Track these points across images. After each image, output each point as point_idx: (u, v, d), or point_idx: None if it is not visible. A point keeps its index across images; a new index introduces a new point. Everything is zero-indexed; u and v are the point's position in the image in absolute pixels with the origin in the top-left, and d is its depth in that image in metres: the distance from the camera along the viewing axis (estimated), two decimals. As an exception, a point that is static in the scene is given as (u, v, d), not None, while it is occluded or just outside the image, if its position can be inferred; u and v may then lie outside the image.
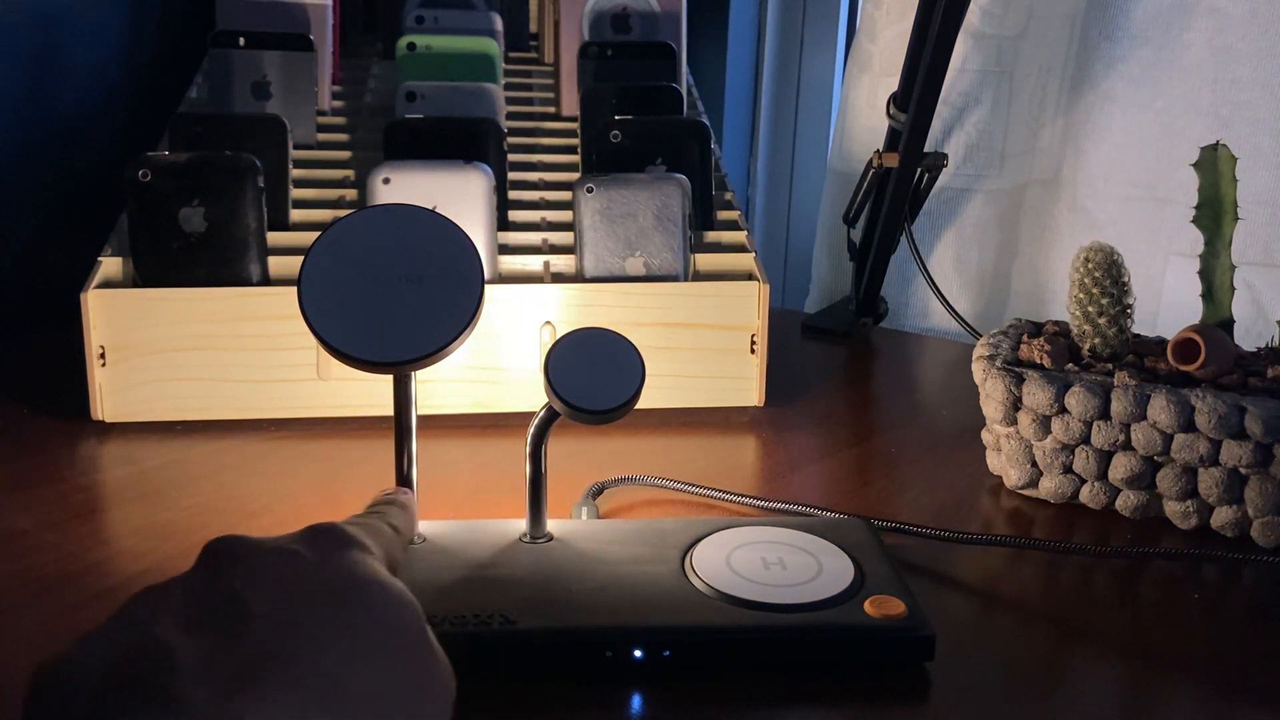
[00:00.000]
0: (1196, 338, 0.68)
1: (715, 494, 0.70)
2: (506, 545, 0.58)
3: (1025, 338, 0.74)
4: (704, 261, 0.88)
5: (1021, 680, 0.54)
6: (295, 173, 0.90)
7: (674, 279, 0.84)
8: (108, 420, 0.79)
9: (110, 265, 0.81)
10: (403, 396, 0.55)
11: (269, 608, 0.35)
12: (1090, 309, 0.72)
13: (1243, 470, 0.66)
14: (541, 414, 0.57)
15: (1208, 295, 0.74)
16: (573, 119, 1.04)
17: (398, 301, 0.52)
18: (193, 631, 0.34)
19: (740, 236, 0.91)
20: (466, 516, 0.64)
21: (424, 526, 0.59)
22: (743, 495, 0.69)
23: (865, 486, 0.75)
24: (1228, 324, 0.73)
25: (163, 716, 0.31)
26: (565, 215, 0.90)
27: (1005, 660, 0.55)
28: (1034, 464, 0.71)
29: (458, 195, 0.82)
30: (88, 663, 0.34)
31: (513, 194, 0.93)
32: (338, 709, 0.33)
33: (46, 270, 0.92)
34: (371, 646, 0.35)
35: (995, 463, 0.75)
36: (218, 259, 0.80)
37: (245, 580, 0.36)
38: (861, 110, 1.18)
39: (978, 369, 0.73)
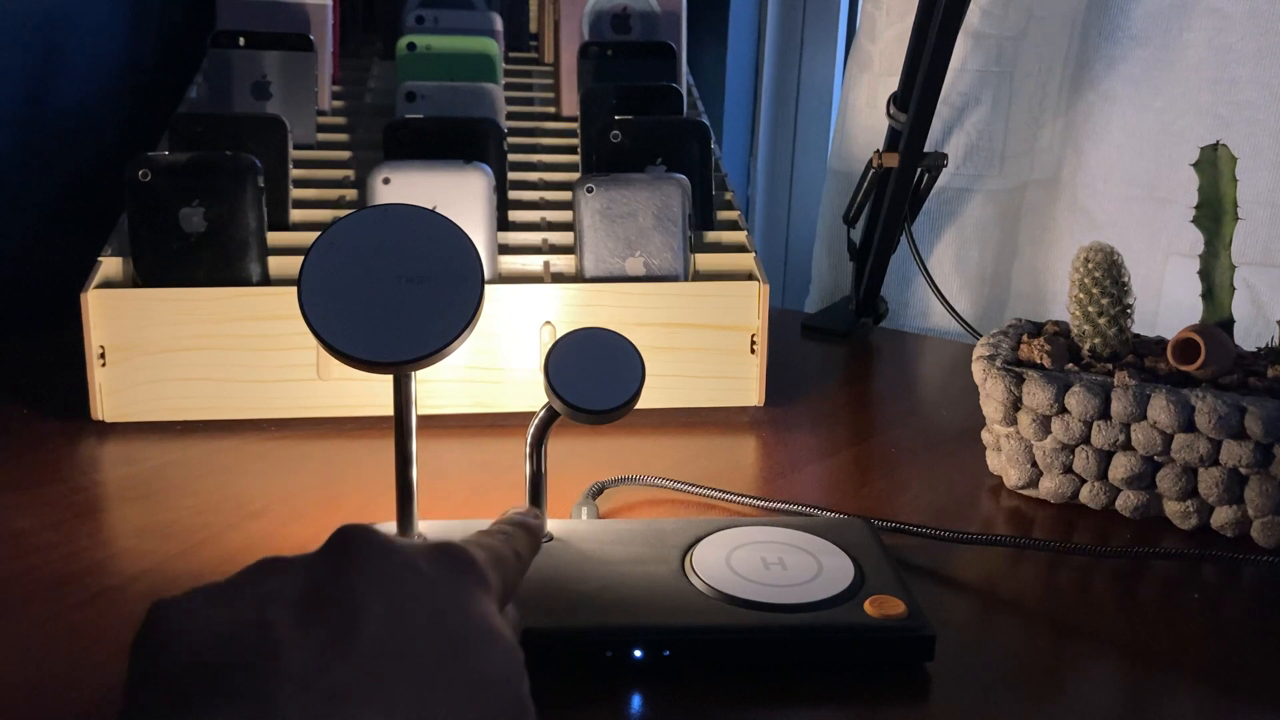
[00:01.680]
0: (1196, 338, 0.68)
1: (715, 494, 0.70)
2: (506, 545, 0.58)
3: (1025, 338, 0.74)
4: (704, 261, 0.88)
5: (1021, 680, 0.54)
6: (295, 173, 0.90)
7: (674, 279, 0.84)
8: (108, 420, 0.79)
9: (110, 265, 0.81)
10: (403, 396, 0.55)
11: (380, 625, 0.35)
12: (1090, 309, 0.72)
13: (1243, 470, 0.66)
14: (541, 414, 0.57)
15: (1208, 295, 0.74)
16: (573, 119, 1.04)
17: (398, 301, 0.52)
18: (304, 626, 0.35)
19: (740, 236, 0.91)
20: (466, 516, 0.64)
21: (424, 526, 0.58)
22: (743, 495, 0.69)
23: (865, 486, 0.75)
24: (1228, 324, 0.73)
25: (250, 714, 0.32)
26: (565, 215, 0.90)
27: (1005, 660, 0.55)
28: (1034, 464, 0.71)
29: (458, 195, 0.82)
30: (199, 623, 0.35)
31: (513, 194, 0.93)
32: None
33: (46, 270, 0.92)
34: (467, 697, 0.35)
35: (995, 463, 0.75)
36: (218, 259, 0.80)
37: (366, 584, 0.36)
38: (861, 110, 1.18)
39: (978, 369, 0.73)
